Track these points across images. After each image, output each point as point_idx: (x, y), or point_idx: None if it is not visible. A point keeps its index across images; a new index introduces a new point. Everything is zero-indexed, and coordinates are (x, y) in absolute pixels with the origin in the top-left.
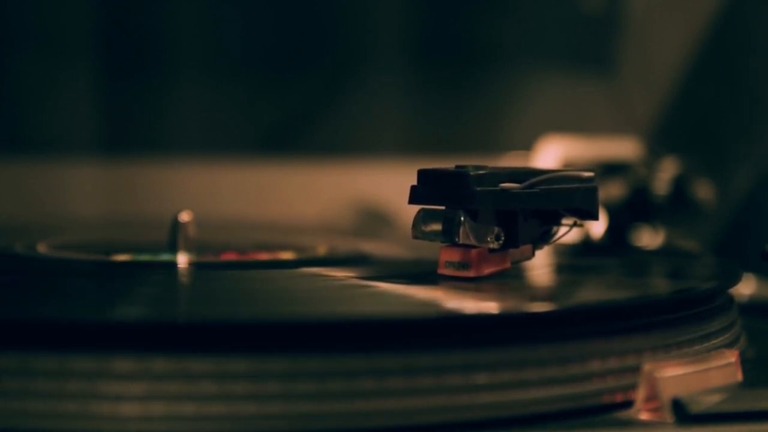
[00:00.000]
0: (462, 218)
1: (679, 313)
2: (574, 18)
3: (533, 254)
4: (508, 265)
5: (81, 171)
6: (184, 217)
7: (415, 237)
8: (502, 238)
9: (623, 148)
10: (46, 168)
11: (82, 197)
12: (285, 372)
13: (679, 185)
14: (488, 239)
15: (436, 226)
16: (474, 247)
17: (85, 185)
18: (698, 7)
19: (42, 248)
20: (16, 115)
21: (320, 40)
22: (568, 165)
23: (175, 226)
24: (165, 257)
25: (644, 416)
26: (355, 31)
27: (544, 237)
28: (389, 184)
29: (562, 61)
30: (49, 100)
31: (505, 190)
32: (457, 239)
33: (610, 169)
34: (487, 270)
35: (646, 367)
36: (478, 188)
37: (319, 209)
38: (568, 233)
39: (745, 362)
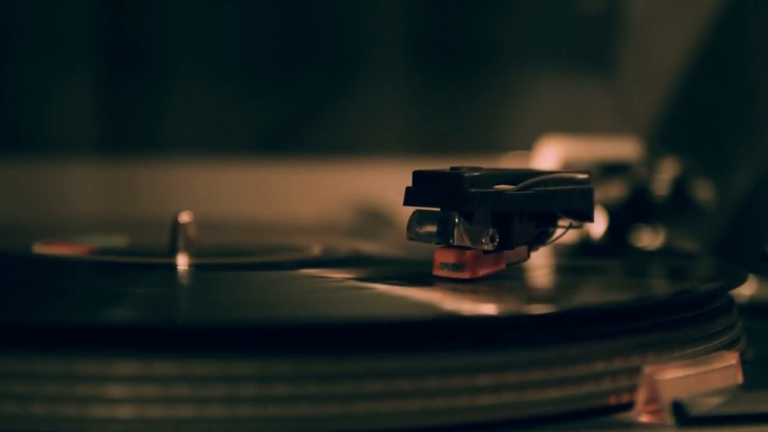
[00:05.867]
0: (457, 220)
1: (680, 315)
2: (574, 18)
3: (529, 256)
4: (503, 266)
5: (81, 171)
6: (184, 217)
7: (410, 238)
8: (497, 239)
9: (623, 148)
10: (46, 168)
11: (82, 197)
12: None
13: (679, 185)
14: (483, 241)
15: (431, 228)
16: (469, 248)
17: (85, 185)
18: (698, 7)
19: (41, 248)
20: (16, 115)
21: (320, 39)
22: (568, 165)
23: (175, 226)
24: (165, 258)
25: (644, 418)
26: (355, 31)
27: (540, 238)
28: (389, 184)
29: (562, 61)
30: (49, 100)
31: (499, 192)
32: (451, 241)
33: (610, 170)
34: (482, 271)
35: (647, 369)
36: (473, 190)
37: (319, 209)
38: (564, 235)
39: (745, 364)
